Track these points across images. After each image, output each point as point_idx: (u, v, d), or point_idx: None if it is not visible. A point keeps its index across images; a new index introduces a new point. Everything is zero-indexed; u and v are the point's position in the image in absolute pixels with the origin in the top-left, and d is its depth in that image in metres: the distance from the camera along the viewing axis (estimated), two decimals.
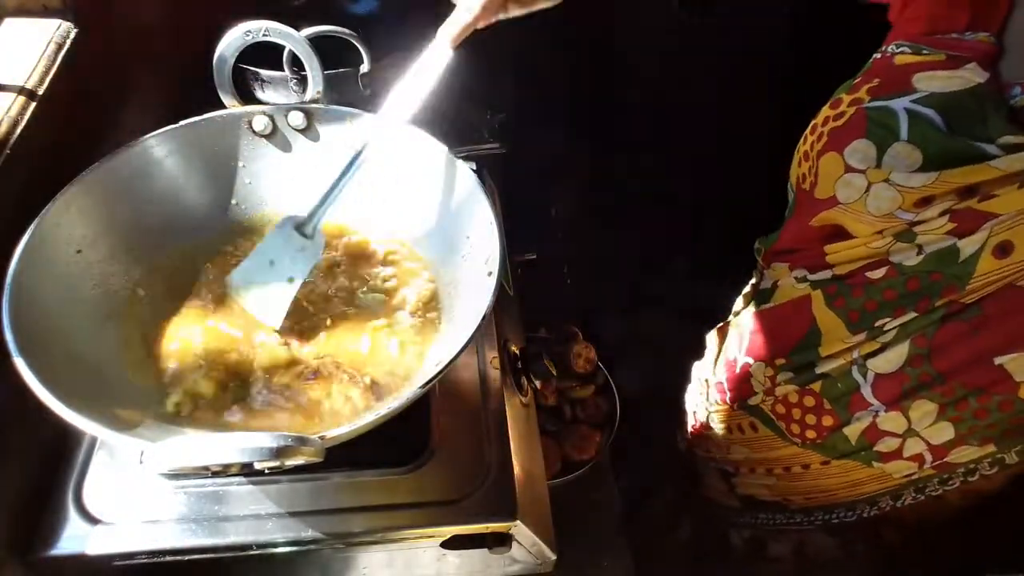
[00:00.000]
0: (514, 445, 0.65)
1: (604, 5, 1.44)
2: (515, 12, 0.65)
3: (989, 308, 0.68)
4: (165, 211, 0.68)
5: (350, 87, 0.85)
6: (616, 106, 1.56)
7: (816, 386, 0.82)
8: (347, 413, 0.58)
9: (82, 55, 0.75)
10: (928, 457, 0.77)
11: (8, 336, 0.49)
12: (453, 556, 0.65)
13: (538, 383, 0.82)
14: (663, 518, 1.12)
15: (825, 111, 0.75)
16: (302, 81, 0.74)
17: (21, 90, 0.67)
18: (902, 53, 0.72)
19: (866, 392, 0.78)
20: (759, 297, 0.91)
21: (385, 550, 0.63)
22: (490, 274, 0.58)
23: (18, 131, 0.65)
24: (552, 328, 0.98)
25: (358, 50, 0.81)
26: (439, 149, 0.68)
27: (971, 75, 0.67)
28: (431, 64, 0.64)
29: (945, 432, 0.74)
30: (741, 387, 0.93)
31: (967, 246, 0.67)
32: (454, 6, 0.63)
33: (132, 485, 0.59)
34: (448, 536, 0.61)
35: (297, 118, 0.71)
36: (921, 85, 0.69)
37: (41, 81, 0.69)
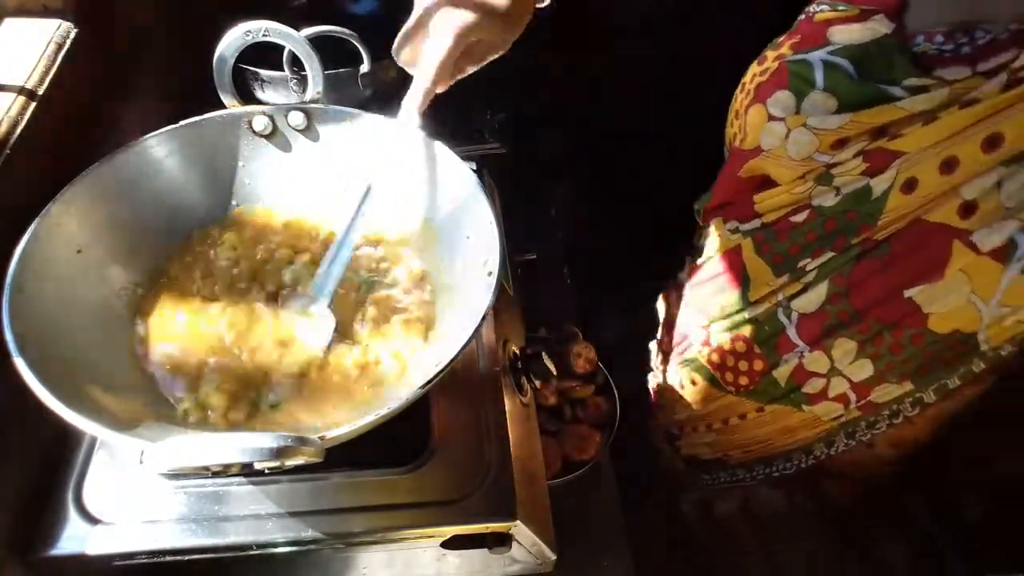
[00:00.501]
0: (514, 445, 0.65)
1: (604, 5, 1.44)
2: (470, 69, 0.67)
3: (898, 244, 0.72)
4: (165, 211, 0.68)
5: (350, 87, 0.85)
6: (616, 106, 1.56)
7: (746, 331, 0.86)
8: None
9: (82, 55, 0.75)
10: (852, 397, 0.80)
11: (8, 336, 0.49)
12: (453, 556, 0.65)
13: (538, 383, 0.82)
14: (660, 517, 1.12)
15: (752, 68, 0.81)
16: (302, 81, 0.74)
17: (21, 90, 0.67)
18: (821, 11, 0.76)
19: (791, 333, 0.81)
20: (695, 253, 0.95)
21: (385, 550, 0.63)
22: (490, 274, 0.58)
23: (18, 131, 0.65)
24: (552, 328, 0.98)
25: (358, 50, 0.81)
26: (439, 149, 0.68)
27: (878, 26, 0.71)
28: (407, 136, 0.65)
29: (865, 369, 0.78)
30: (680, 342, 0.97)
31: (878, 184, 0.71)
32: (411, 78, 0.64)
33: (132, 485, 0.59)
34: (448, 536, 0.60)
35: (297, 118, 0.71)
36: (836, 38, 0.74)
37: (41, 81, 0.69)
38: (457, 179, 0.67)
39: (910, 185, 0.69)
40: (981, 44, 0.66)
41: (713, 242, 0.91)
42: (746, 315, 0.86)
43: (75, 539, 0.56)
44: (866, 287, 0.75)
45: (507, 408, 0.68)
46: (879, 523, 0.98)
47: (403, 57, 0.66)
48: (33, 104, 0.67)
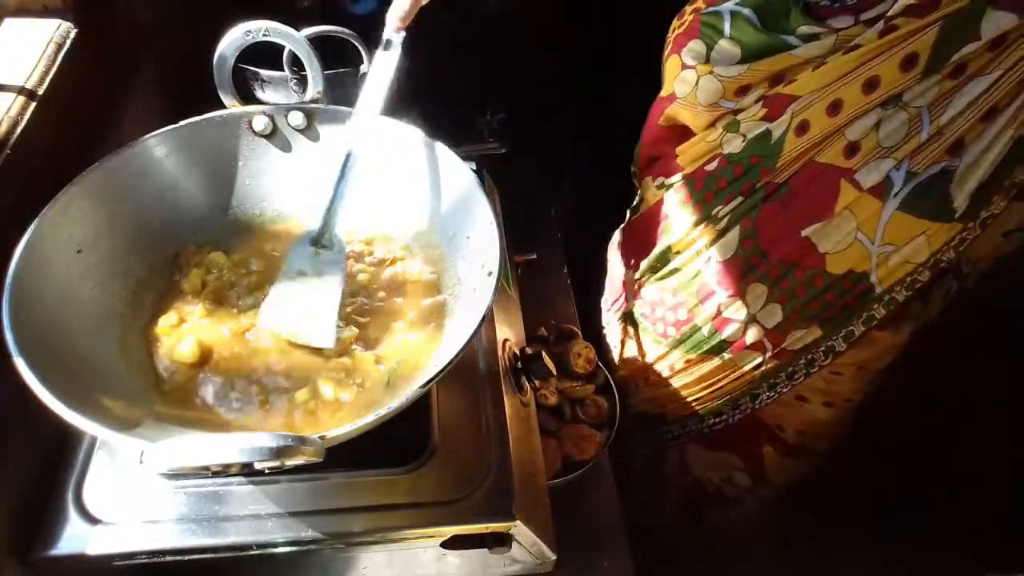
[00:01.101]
0: (514, 445, 0.65)
1: (604, 5, 1.44)
2: None
3: (795, 184, 0.76)
4: (165, 211, 0.68)
5: (350, 87, 0.85)
6: (617, 106, 1.56)
7: (671, 281, 0.90)
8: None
9: (82, 55, 0.75)
10: (768, 345, 0.85)
11: (8, 336, 0.49)
12: (453, 556, 0.65)
13: (538, 383, 0.82)
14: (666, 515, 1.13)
15: (673, 24, 0.86)
16: (302, 81, 0.74)
17: (21, 90, 0.67)
18: None
19: (711, 280, 0.86)
20: (631, 212, 1.01)
21: (385, 550, 0.63)
22: (490, 274, 0.58)
23: (18, 131, 0.65)
24: (552, 328, 0.98)
25: (358, 50, 0.81)
26: (439, 149, 0.68)
27: None
28: (387, 57, 0.66)
29: (775, 313, 0.82)
30: (618, 298, 1.02)
31: (776, 128, 0.76)
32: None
33: (132, 485, 0.59)
34: (448, 536, 0.60)
35: (297, 118, 0.71)
36: None
37: (41, 81, 0.69)
38: (457, 179, 0.67)
39: (803, 127, 0.74)
40: None
41: (644, 198, 0.96)
42: (671, 266, 0.90)
43: (75, 539, 0.56)
44: (770, 228, 0.79)
45: (507, 408, 0.68)
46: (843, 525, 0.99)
47: None
48: (33, 104, 0.67)
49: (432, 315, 0.66)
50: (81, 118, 0.76)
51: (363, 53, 0.82)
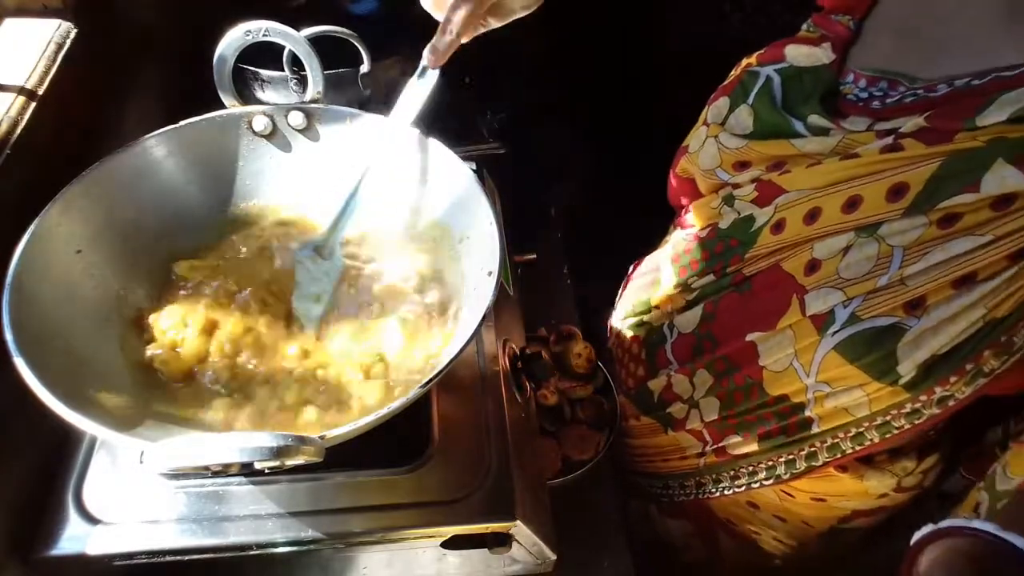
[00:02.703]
0: (514, 445, 0.65)
1: (605, 4, 1.44)
2: (494, 24, 0.65)
3: (755, 283, 0.71)
4: (165, 211, 0.68)
5: (350, 87, 0.85)
6: (617, 106, 1.56)
7: (640, 333, 0.88)
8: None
9: (82, 55, 0.75)
10: (708, 437, 0.81)
11: (8, 336, 0.49)
12: (453, 556, 0.65)
13: (538, 383, 0.82)
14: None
15: (732, 72, 0.81)
16: (302, 81, 0.74)
17: (21, 90, 0.67)
18: (805, 30, 0.76)
19: (668, 348, 0.82)
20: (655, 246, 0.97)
21: (385, 550, 0.63)
22: (490, 274, 0.58)
23: (18, 131, 0.65)
24: (552, 328, 0.98)
25: (358, 50, 0.81)
26: (439, 149, 0.68)
27: (821, 54, 0.71)
28: (422, 84, 0.66)
29: (713, 408, 0.78)
30: (608, 331, 0.99)
31: (760, 217, 0.71)
32: (436, 24, 0.64)
33: (132, 485, 0.59)
34: (448, 536, 0.60)
35: (297, 118, 0.71)
36: (788, 55, 0.73)
37: (41, 81, 0.69)
38: (457, 179, 0.67)
39: (779, 226, 0.68)
40: (890, 101, 0.65)
41: (663, 243, 0.93)
42: (644, 318, 0.87)
43: (75, 539, 0.56)
44: (726, 320, 0.74)
45: (507, 408, 0.68)
46: None
47: (429, 2, 0.64)
48: (33, 104, 0.67)
49: (431, 314, 0.66)
50: (81, 118, 0.76)
51: (363, 53, 0.82)
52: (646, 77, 1.49)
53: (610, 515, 0.84)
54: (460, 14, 0.61)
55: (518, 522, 0.60)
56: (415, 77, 0.66)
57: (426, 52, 0.64)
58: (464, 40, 0.64)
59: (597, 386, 0.93)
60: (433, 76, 0.65)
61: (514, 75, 1.23)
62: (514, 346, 0.78)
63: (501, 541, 0.62)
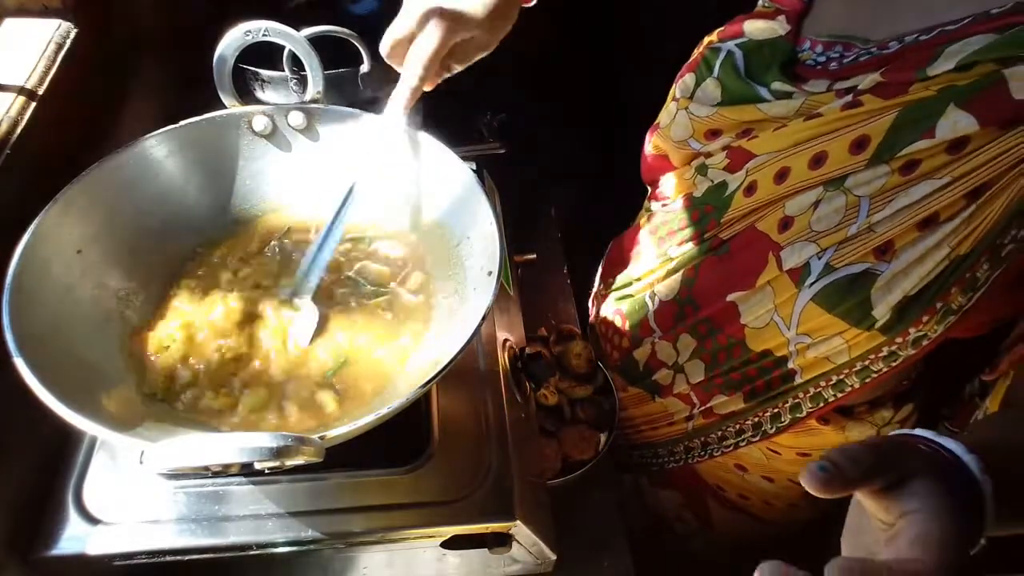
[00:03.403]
0: (514, 445, 0.65)
1: (605, 4, 1.44)
2: (457, 68, 0.68)
3: (733, 245, 0.74)
4: (165, 211, 0.68)
5: (350, 87, 0.85)
6: (617, 105, 1.56)
7: (623, 306, 0.89)
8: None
9: (82, 55, 0.75)
10: (695, 399, 0.83)
11: (8, 336, 0.49)
12: (453, 556, 0.65)
13: (538, 383, 0.82)
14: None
15: (693, 53, 0.84)
16: (302, 81, 0.74)
17: (21, 90, 0.67)
18: (762, 5, 0.79)
19: (651, 317, 0.85)
20: (630, 225, 0.99)
21: (385, 550, 0.63)
22: (490, 274, 0.58)
23: (18, 131, 0.65)
24: (552, 328, 0.98)
25: (358, 50, 0.81)
26: (439, 149, 0.68)
27: (777, 26, 0.74)
28: (391, 133, 0.66)
29: (699, 370, 0.80)
30: (591, 309, 1.02)
31: (732, 182, 0.73)
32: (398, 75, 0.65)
33: (132, 485, 0.59)
34: (448, 536, 0.60)
35: (297, 118, 0.71)
36: (746, 29, 0.76)
37: (41, 81, 0.69)
38: (457, 179, 0.67)
39: (751, 188, 0.71)
40: (846, 62, 0.67)
41: (640, 216, 0.95)
42: (627, 291, 0.89)
43: (75, 539, 0.56)
44: (706, 283, 0.77)
45: (507, 408, 0.68)
46: None
47: (390, 54, 0.66)
48: (33, 104, 0.67)
49: (432, 315, 0.66)
50: (81, 118, 0.76)
51: (363, 53, 0.82)
52: (646, 77, 1.49)
53: (610, 515, 0.84)
54: (422, 59, 0.62)
55: (518, 522, 0.60)
56: (384, 128, 0.66)
57: (392, 99, 0.65)
58: (427, 87, 0.65)
59: (597, 386, 0.93)
60: (401, 126, 0.66)
61: (514, 75, 1.23)
62: (514, 346, 0.78)
63: (501, 541, 0.62)
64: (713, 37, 0.80)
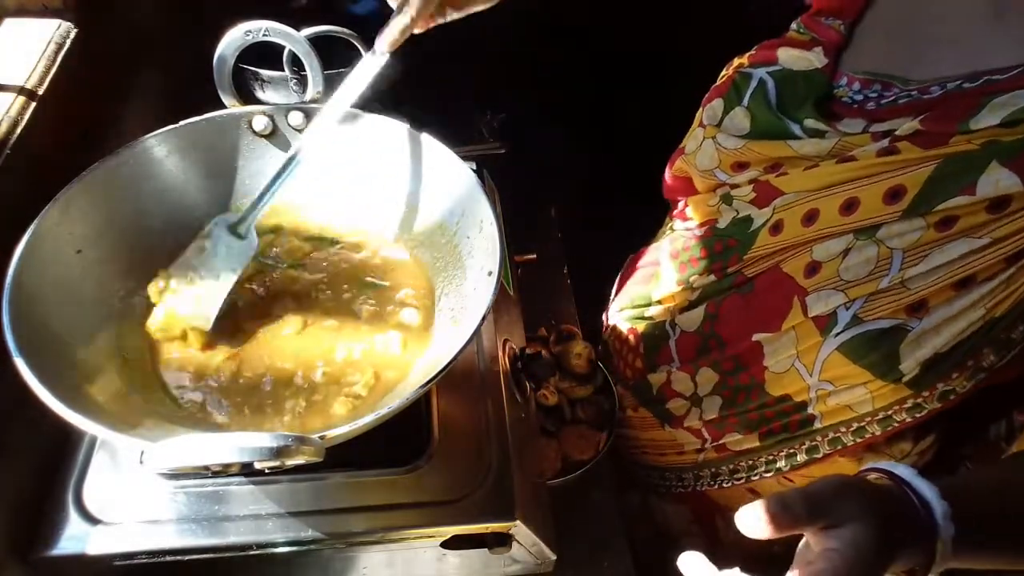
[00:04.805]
0: (514, 445, 0.65)
1: (605, 4, 1.44)
2: (452, 16, 0.66)
3: (758, 284, 0.72)
4: (165, 211, 0.68)
5: None
6: (617, 105, 1.56)
7: (640, 327, 0.88)
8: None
9: (82, 55, 0.75)
10: (707, 435, 0.81)
11: (8, 336, 0.49)
12: (453, 556, 0.65)
13: (538, 383, 0.82)
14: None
15: (722, 72, 0.81)
16: (302, 81, 0.74)
17: (21, 90, 0.67)
18: (795, 31, 0.77)
19: (672, 345, 0.82)
20: (654, 237, 0.97)
21: (385, 550, 0.63)
22: (490, 274, 0.58)
23: (18, 131, 0.65)
24: (552, 328, 0.98)
25: (358, 50, 0.81)
26: (439, 149, 0.68)
27: (814, 58, 0.71)
28: (367, 66, 0.65)
29: (714, 406, 0.78)
30: (604, 322, 1.00)
31: (758, 218, 0.71)
32: (391, 10, 0.64)
33: (132, 485, 0.59)
34: (448, 536, 0.60)
35: (297, 118, 0.71)
36: (780, 57, 0.73)
37: (41, 81, 0.69)
38: (457, 179, 0.67)
39: (777, 227, 0.69)
40: (884, 103, 0.65)
41: (662, 231, 0.93)
42: (645, 312, 0.87)
43: (75, 539, 0.56)
44: (731, 320, 0.75)
45: (507, 408, 0.68)
46: None
47: None
48: (33, 104, 0.67)
49: (431, 315, 0.66)
50: (81, 118, 0.76)
51: (363, 53, 0.82)
52: (646, 77, 1.49)
53: (610, 515, 0.84)
54: (413, 6, 0.61)
55: (518, 522, 0.60)
56: (365, 56, 0.65)
57: (380, 35, 0.64)
58: (419, 29, 0.64)
59: (597, 386, 0.93)
60: (382, 60, 0.64)
61: (514, 75, 1.23)
62: (514, 346, 0.78)
63: (501, 541, 0.62)
64: (744, 60, 0.77)
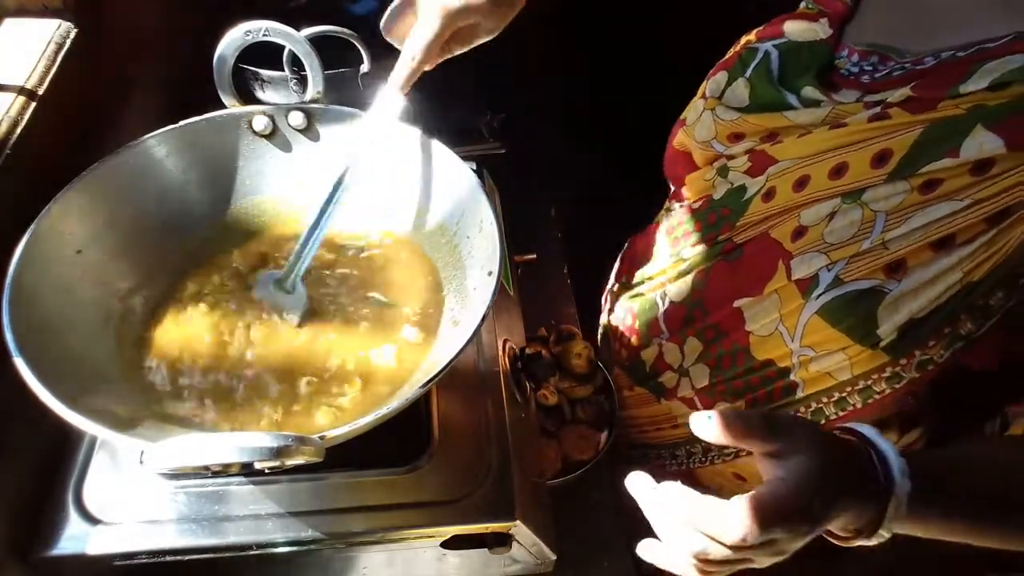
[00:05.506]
0: (514, 445, 0.65)
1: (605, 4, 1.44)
2: (457, 51, 0.67)
3: (747, 251, 0.73)
4: (165, 211, 0.68)
5: (350, 87, 0.85)
6: (616, 104, 1.56)
7: (635, 305, 0.88)
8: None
9: (82, 55, 0.75)
10: (699, 404, 0.81)
11: (8, 336, 0.49)
12: (453, 556, 0.65)
13: (538, 383, 0.82)
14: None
15: (729, 51, 0.81)
16: (302, 81, 0.74)
17: (21, 90, 0.67)
18: (805, 6, 0.77)
19: (661, 317, 0.83)
20: (650, 222, 0.97)
21: (385, 550, 0.63)
22: (490, 274, 0.58)
23: (18, 131, 0.65)
24: (552, 328, 0.98)
25: (358, 50, 0.81)
26: (439, 149, 0.68)
27: (819, 29, 0.72)
28: (386, 110, 0.66)
29: (703, 375, 0.79)
30: (603, 305, 1.00)
31: (752, 187, 0.72)
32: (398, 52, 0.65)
33: (132, 485, 0.59)
34: (448, 536, 0.61)
35: (297, 118, 0.71)
36: (787, 30, 0.74)
37: (41, 81, 0.69)
38: (457, 179, 0.67)
39: (769, 194, 0.69)
40: (878, 76, 0.66)
41: (660, 215, 0.94)
42: (639, 290, 0.88)
43: (75, 539, 0.56)
44: (716, 287, 0.76)
45: (507, 408, 0.68)
46: None
47: (392, 33, 0.66)
48: (33, 104, 0.67)
49: (432, 315, 0.66)
50: (81, 118, 0.76)
51: (363, 53, 0.82)
52: (646, 77, 1.49)
53: (610, 515, 0.84)
54: (421, 43, 0.62)
55: (518, 522, 0.60)
56: (379, 101, 0.66)
57: (391, 77, 0.65)
58: (427, 67, 0.65)
59: (597, 386, 0.93)
60: (398, 102, 0.66)
61: (514, 75, 1.23)
62: (514, 346, 0.78)
63: (501, 541, 0.62)
64: (752, 36, 0.78)
